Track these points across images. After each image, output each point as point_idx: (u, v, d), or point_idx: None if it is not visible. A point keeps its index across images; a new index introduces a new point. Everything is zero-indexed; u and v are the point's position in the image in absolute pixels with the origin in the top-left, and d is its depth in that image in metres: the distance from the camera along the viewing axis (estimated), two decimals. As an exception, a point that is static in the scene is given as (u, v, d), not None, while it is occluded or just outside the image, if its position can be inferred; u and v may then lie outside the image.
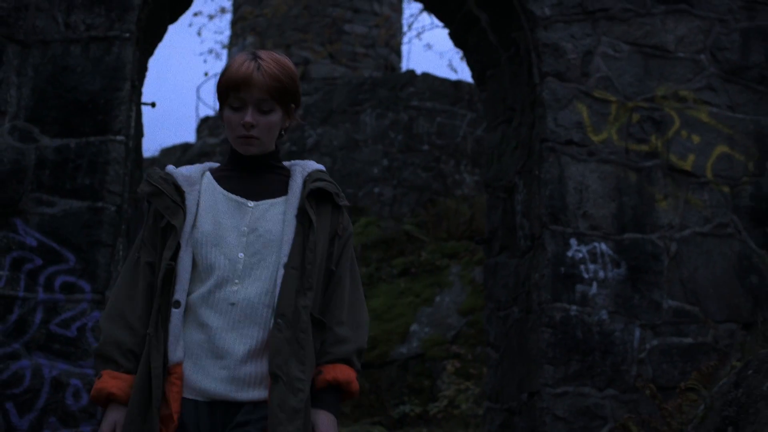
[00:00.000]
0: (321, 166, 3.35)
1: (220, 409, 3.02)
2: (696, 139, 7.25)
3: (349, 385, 3.14)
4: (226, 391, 3.00)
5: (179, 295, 3.06)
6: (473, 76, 8.52)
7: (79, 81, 6.34)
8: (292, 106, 3.20)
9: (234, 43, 23.32)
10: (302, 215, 3.16)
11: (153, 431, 2.94)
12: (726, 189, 7.26)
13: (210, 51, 39.16)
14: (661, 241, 7.05)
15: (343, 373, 3.12)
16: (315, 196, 3.20)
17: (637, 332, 6.88)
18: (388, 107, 17.22)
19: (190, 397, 3.02)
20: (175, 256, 3.09)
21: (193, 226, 3.13)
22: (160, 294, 3.07)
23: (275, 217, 3.17)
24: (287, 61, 3.18)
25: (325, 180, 3.25)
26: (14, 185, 6.18)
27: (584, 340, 6.78)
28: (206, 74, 31.27)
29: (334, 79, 20.64)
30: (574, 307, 6.80)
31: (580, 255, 6.88)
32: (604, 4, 7.21)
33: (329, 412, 3.10)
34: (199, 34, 35.61)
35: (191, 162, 18.91)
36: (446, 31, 8.43)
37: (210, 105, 55.08)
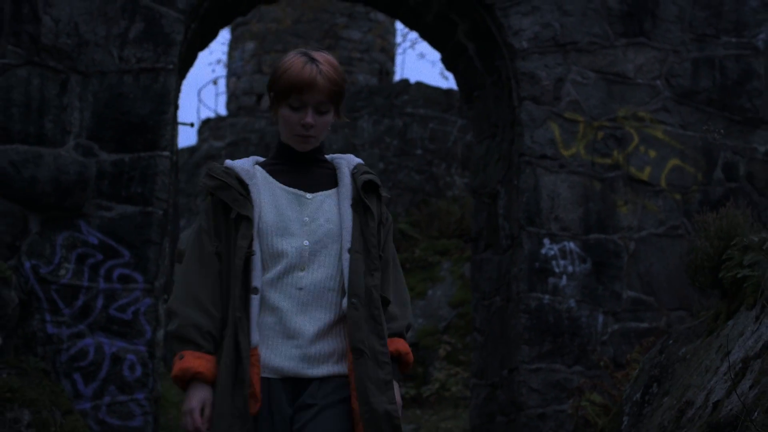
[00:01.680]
0: (361, 160, 3.51)
1: (291, 384, 3.17)
2: (652, 153, 8.45)
3: (408, 355, 3.36)
4: (299, 368, 3.16)
5: (256, 281, 3.20)
6: (462, 96, 9.72)
7: (131, 105, 7.53)
8: (342, 103, 3.38)
9: (234, 48, 23.88)
10: (357, 204, 3.32)
11: (244, 409, 3.09)
12: (678, 196, 8.47)
13: (218, 61, 40.09)
14: (622, 240, 8.26)
15: (402, 345, 3.35)
16: (365, 187, 3.35)
17: (601, 318, 8.10)
18: (383, 114, 18.15)
19: (263, 375, 3.16)
20: (250, 245, 3.22)
21: (260, 219, 3.25)
22: (243, 282, 3.20)
23: (331, 207, 3.31)
24: (337, 63, 3.34)
25: (370, 173, 3.43)
26: (79, 193, 7.36)
27: (555, 325, 7.99)
28: (215, 82, 31.88)
29: None
30: (546, 297, 8.01)
31: (552, 252, 8.09)
32: (573, 38, 8.40)
33: (394, 379, 3.26)
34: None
35: (199, 165, 19.81)
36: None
37: (211, 108, 55.56)
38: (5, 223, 7.23)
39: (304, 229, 3.26)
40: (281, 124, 3.31)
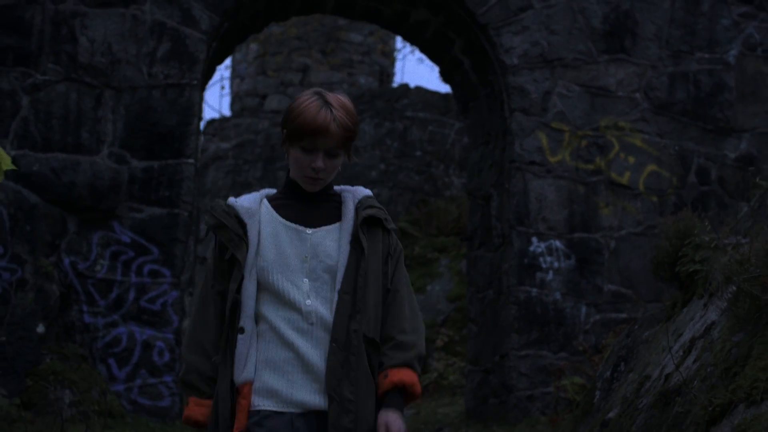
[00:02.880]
0: (369, 192, 3.45)
1: (313, 418, 3.17)
2: (631, 159, 9.27)
3: (413, 387, 3.26)
4: (321, 402, 3.16)
5: (243, 322, 3.20)
6: (458, 106, 10.55)
7: (159, 117, 8.35)
8: (352, 145, 3.34)
9: (237, 50, 24.49)
10: (355, 242, 3.28)
11: None
12: (655, 198, 9.28)
13: (227, 67, 40.73)
14: (603, 239, 9.08)
15: (407, 376, 3.25)
16: (367, 222, 3.31)
17: (584, 309, 8.92)
18: (384, 117, 18.73)
19: (282, 409, 3.17)
20: (239, 288, 3.23)
21: (257, 254, 3.24)
22: (229, 324, 3.23)
23: (332, 242, 3.29)
24: (351, 106, 3.28)
25: (374, 207, 3.35)
26: (112, 196, 8.18)
27: (542, 315, 8.82)
28: (222, 87, 32.47)
29: (332, 84, 21.94)
30: (534, 290, 8.84)
31: (540, 250, 8.92)
32: (559, 55, 9.21)
33: (397, 410, 3.23)
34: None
35: (207, 165, 20.47)
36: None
37: (215, 108, 55.68)
38: (46, 223, 8.03)
39: (303, 266, 3.24)
40: (291, 163, 3.28)
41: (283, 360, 3.20)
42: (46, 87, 8.21)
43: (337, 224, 3.32)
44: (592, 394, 6.17)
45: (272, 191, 3.43)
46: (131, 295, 8.12)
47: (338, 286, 3.23)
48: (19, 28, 8.22)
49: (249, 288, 3.22)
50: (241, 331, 3.20)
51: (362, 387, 3.20)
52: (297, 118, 3.19)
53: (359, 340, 3.21)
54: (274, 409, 3.17)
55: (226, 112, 25.29)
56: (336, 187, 3.42)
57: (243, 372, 3.18)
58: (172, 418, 8.00)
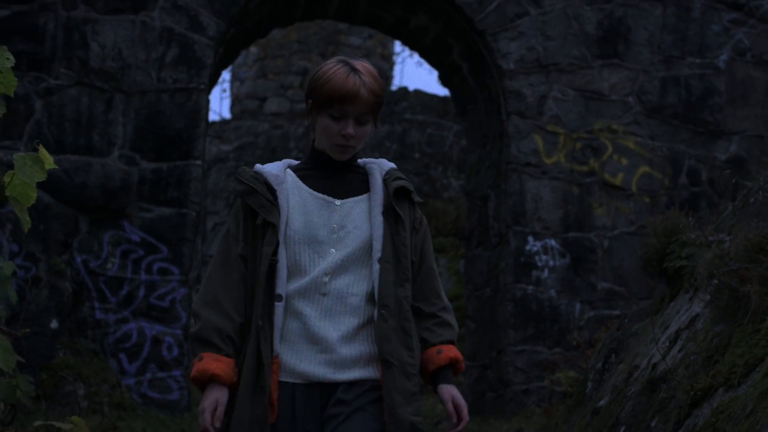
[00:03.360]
0: (394, 165, 3.42)
1: (317, 389, 3.11)
2: (624, 161, 9.57)
3: (460, 363, 3.28)
4: (324, 374, 3.10)
5: (281, 289, 3.14)
6: (456, 110, 10.85)
7: (168, 121, 8.64)
8: (379, 112, 3.29)
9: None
10: (388, 212, 3.23)
11: (264, 416, 3.06)
12: (647, 199, 9.59)
13: (227, 70, 40.89)
14: (597, 238, 9.38)
15: (457, 352, 3.27)
16: (396, 194, 3.26)
17: (578, 306, 9.22)
18: (384, 120, 18.93)
19: (286, 380, 3.11)
20: (275, 252, 3.16)
21: (287, 226, 3.19)
22: (265, 288, 3.14)
23: (361, 214, 3.23)
24: (377, 73, 3.25)
25: (402, 178, 3.33)
26: (123, 197, 8.47)
27: (538, 312, 9.13)
28: (224, 90, 32.64)
29: None
30: (530, 287, 9.14)
31: (536, 248, 9.22)
32: (555, 60, 9.51)
33: (453, 385, 3.25)
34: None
35: (208, 167, 20.68)
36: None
37: (215, 111, 55.87)
38: (59, 223, 8.33)
39: (332, 237, 3.19)
40: (319, 132, 3.23)
41: (290, 330, 3.15)
42: (58, 91, 8.50)
43: (365, 195, 3.27)
44: (585, 384, 6.47)
45: (294, 162, 3.38)
46: (141, 292, 8.41)
47: (378, 255, 3.18)
48: (32, 34, 8.51)
49: (283, 255, 3.16)
50: (278, 298, 3.14)
51: (417, 352, 3.19)
52: (325, 84, 3.14)
53: (409, 306, 3.20)
54: (284, 379, 3.11)
55: (227, 114, 25.53)
56: (360, 160, 3.37)
57: (278, 344, 3.12)
58: (180, 410, 8.29)
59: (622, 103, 9.65)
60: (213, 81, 9.56)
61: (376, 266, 3.18)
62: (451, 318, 3.34)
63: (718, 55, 9.93)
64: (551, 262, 9.23)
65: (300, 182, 3.27)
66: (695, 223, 6.06)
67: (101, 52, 8.59)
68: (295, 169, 3.33)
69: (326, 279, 3.16)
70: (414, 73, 55.21)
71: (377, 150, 18.78)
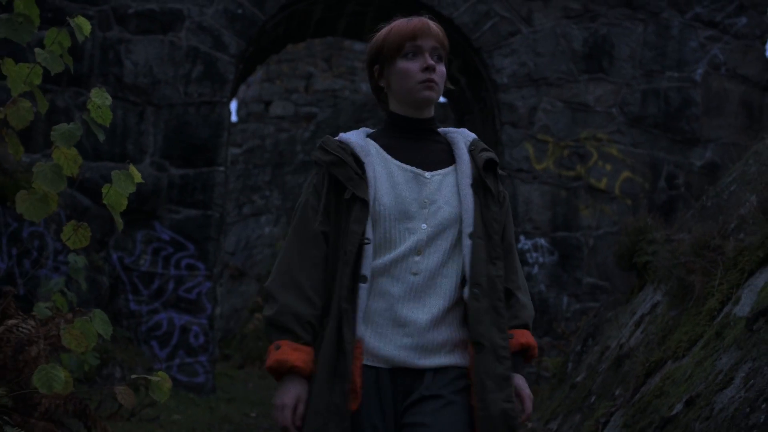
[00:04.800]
0: (475, 135, 3.21)
1: (401, 375, 2.89)
2: (608, 167, 10.48)
3: (535, 349, 3.09)
4: (410, 359, 2.88)
5: (366, 270, 2.91)
6: (455, 118, 11.77)
7: (194, 131, 9.57)
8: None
9: None
10: (477, 185, 3.01)
11: (342, 405, 2.82)
12: (629, 201, 10.49)
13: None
14: (583, 237, 10.29)
15: (530, 337, 3.08)
16: (485, 167, 3.06)
17: (565, 299, 10.14)
18: None
19: (369, 363, 2.88)
20: (365, 230, 2.93)
21: (375, 200, 2.95)
22: (352, 269, 2.91)
23: (450, 187, 3.02)
24: None
25: (489, 150, 3.14)
26: (154, 200, 9.39)
27: (529, 304, 10.02)
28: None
29: (335, 90, 22.48)
30: (522, 282, 10.03)
31: (527, 247, 10.13)
32: (544, 74, 10.43)
33: (522, 375, 3.06)
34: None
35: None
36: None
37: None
38: (96, 223, 9.24)
39: (422, 212, 2.96)
40: (398, 82, 3.02)
41: (375, 311, 2.91)
42: (95, 104, 9.40)
43: (451, 167, 3.06)
44: (566, 365, 7.40)
45: (370, 130, 3.17)
46: (170, 285, 9.33)
47: (469, 229, 2.95)
48: (72, 53, 9.41)
49: (370, 233, 2.93)
50: (363, 279, 2.90)
51: (507, 333, 2.94)
52: (389, 33, 3.04)
53: (502, 285, 2.96)
54: (366, 363, 2.89)
55: (233, 117, 26.31)
56: (439, 129, 3.17)
57: (361, 325, 2.89)
58: (206, 392, 9.22)
59: (606, 114, 10.55)
60: (233, 94, 10.47)
61: (467, 242, 2.94)
62: (526, 299, 3.13)
63: (694, 70, 10.83)
64: (541, 259, 10.13)
65: (384, 153, 3.05)
66: (661, 223, 6.98)
67: (134, 69, 9.50)
68: (374, 137, 3.11)
69: (417, 258, 2.93)
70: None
71: (380, 153, 19.58)
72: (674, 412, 4.50)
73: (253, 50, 10.09)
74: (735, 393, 3.99)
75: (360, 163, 2.99)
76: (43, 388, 3.21)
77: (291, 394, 2.87)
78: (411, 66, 2.99)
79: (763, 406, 3.62)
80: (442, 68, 3.02)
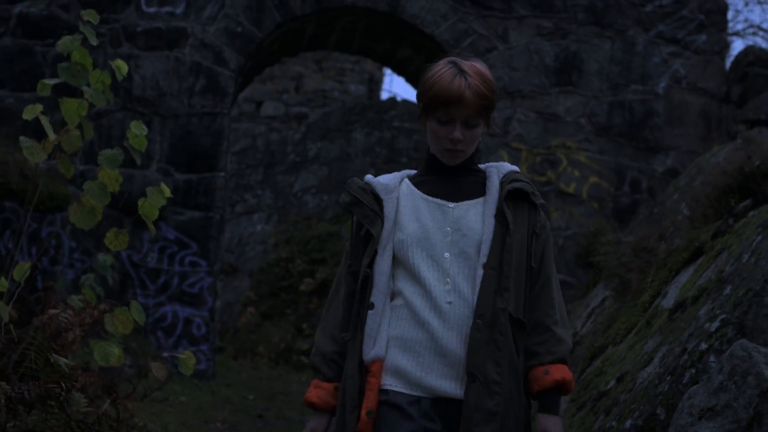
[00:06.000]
0: (516, 168, 3.26)
1: (443, 404, 2.97)
2: (577, 173, 11.40)
3: (571, 384, 3.07)
4: (452, 389, 2.95)
5: (374, 297, 3.03)
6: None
7: (197, 140, 10.45)
8: (491, 114, 3.14)
9: None
10: (500, 216, 3.08)
11: (350, 428, 2.96)
12: (595, 205, 11.41)
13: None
14: (553, 237, 11.18)
15: (566, 372, 3.06)
16: (512, 196, 3.12)
17: (536, 294, 11.02)
18: (374, 127, 20.22)
19: (408, 392, 2.97)
20: (371, 263, 3.07)
21: (395, 228, 3.09)
22: (360, 300, 3.07)
23: (476, 216, 3.09)
24: (488, 73, 3.12)
25: (521, 180, 3.17)
26: (160, 202, 10.26)
27: (503, 299, 10.93)
28: None
29: (324, 91, 23.16)
30: (496, 278, 10.94)
31: (501, 246, 11.00)
32: (518, 87, 11.34)
33: (557, 416, 3.08)
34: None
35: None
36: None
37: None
38: (108, 224, 10.10)
39: (445, 240, 3.06)
40: (429, 137, 3.15)
41: (415, 340, 2.99)
42: (107, 115, 10.30)
43: (481, 198, 3.15)
44: (531, 352, 8.34)
45: (413, 172, 3.31)
46: (175, 281, 10.22)
47: (483, 260, 3.02)
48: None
49: (381, 263, 3.06)
50: (371, 306, 3.03)
51: (507, 368, 2.97)
52: (431, 88, 3.07)
53: (506, 318, 2.98)
54: (402, 390, 2.98)
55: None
56: (481, 165, 3.26)
57: (373, 349, 3.01)
58: (207, 378, 10.12)
59: (576, 124, 11.46)
60: (232, 105, 11.36)
61: (480, 272, 3.02)
62: (565, 333, 3.14)
63: (657, 83, 11.74)
64: (514, 258, 11.01)
65: (414, 189, 3.18)
66: (614, 226, 7.91)
67: (142, 82, 10.39)
68: (411, 177, 3.25)
69: (447, 287, 3.03)
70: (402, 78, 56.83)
71: (368, 155, 20.23)
72: (608, 387, 5.42)
73: (251, 65, 10.98)
74: (652, 370, 4.91)
75: (379, 201, 3.14)
76: (101, 361, 4.12)
77: (309, 426, 3.16)
78: (441, 131, 3.07)
79: (668, 378, 4.55)
80: (474, 132, 3.10)
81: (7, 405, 3.47)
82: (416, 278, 3.05)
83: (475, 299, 2.98)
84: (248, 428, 8.18)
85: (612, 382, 5.42)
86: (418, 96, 3.17)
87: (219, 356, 13.42)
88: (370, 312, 3.04)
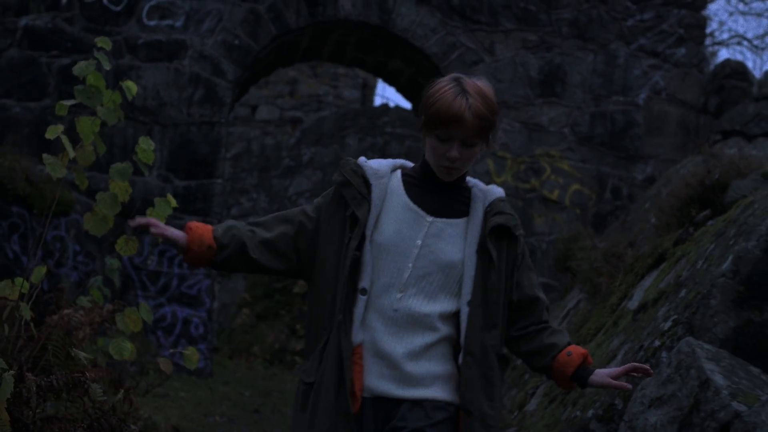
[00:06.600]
0: (501, 193, 3.31)
1: (381, 404, 3.07)
2: (560, 180, 11.88)
3: (590, 356, 3.24)
4: (388, 389, 3.06)
5: (365, 283, 3.08)
6: (427, 135, 13.15)
7: (196, 147, 10.92)
8: (491, 133, 3.16)
9: None
10: (483, 251, 3.11)
11: (347, 408, 3.02)
12: (578, 211, 11.89)
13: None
14: (537, 242, 11.68)
15: (581, 348, 3.25)
16: (495, 231, 3.14)
17: (520, 297, 11.50)
18: (367, 132, 20.70)
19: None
20: (360, 247, 3.09)
21: (376, 226, 3.13)
22: (347, 282, 3.08)
23: (451, 237, 3.14)
24: (490, 93, 3.14)
25: (505, 213, 3.20)
26: (160, 208, 10.73)
27: (488, 301, 11.40)
28: None
29: (319, 96, 23.39)
30: (482, 281, 11.41)
31: (487, 250, 11.45)
32: (504, 98, 11.81)
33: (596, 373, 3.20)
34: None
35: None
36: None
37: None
38: (110, 229, 10.56)
39: (412, 252, 3.11)
40: (427, 151, 3.15)
41: (361, 342, 3.11)
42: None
43: (462, 219, 3.19)
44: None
45: (409, 164, 3.34)
46: (174, 282, 10.68)
47: (468, 297, 3.09)
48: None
49: (369, 250, 3.11)
50: (363, 292, 3.08)
51: (498, 403, 3.10)
52: (432, 105, 3.08)
53: (495, 355, 3.08)
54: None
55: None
56: (470, 180, 3.32)
57: (359, 333, 3.09)
58: (205, 376, 10.57)
59: (559, 134, 11.94)
60: (229, 114, 11.83)
61: (465, 309, 3.09)
62: (559, 327, 3.35)
63: (638, 94, 12.22)
64: (499, 261, 11.48)
65: (402, 188, 3.22)
66: (591, 233, 8.39)
67: (143, 92, 10.85)
68: (404, 172, 3.28)
69: (399, 296, 3.09)
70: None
71: (361, 160, 20.78)
72: (576, 381, 5.90)
73: (247, 76, 11.45)
74: (614, 365, 5.39)
75: (368, 185, 3.17)
76: (116, 355, 4.59)
77: (173, 232, 3.47)
78: (439, 148, 3.09)
79: (626, 372, 5.02)
80: (471, 151, 3.13)
81: (37, 393, 3.92)
82: (379, 282, 3.12)
83: (463, 337, 3.06)
84: (245, 422, 8.66)
85: (580, 378, 5.89)
86: (420, 110, 3.18)
87: (215, 356, 13.88)
88: (361, 297, 3.08)
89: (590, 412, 5.06)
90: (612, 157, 12.06)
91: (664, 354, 4.68)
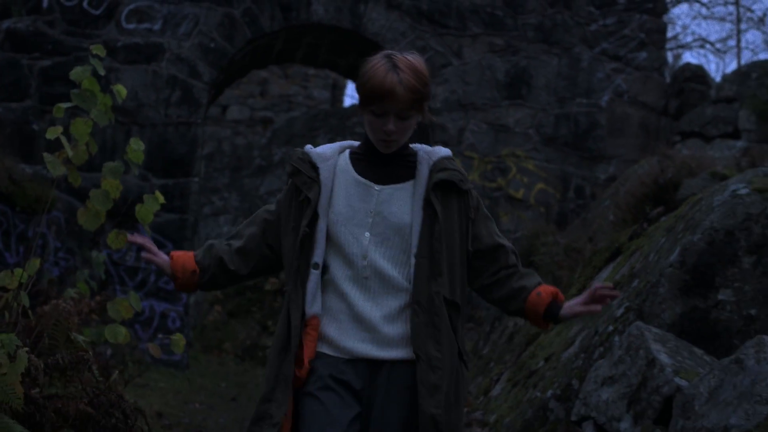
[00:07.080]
0: (448, 152, 3.45)
1: (362, 365, 3.22)
2: (525, 180, 12.30)
3: (560, 293, 3.40)
4: (368, 351, 3.21)
5: (317, 258, 3.25)
6: (397, 135, 13.54)
7: (173, 147, 11.25)
8: (425, 104, 3.27)
9: None
10: (428, 206, 3.25)
11: (290, 373, 3.19)
12: (542, 209, 12.32)
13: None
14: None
15: (550, 287, 3.39)
16: (441, 186, 3.27)
17: (487, 292, 11.91)
18: (337, 133, 21.00)
19: (333, 354, 3.24)
20: (312, 224, 3.25)
21: (330, 204, 3.29)
22: (299, 256, 3.26)
23: (399, 201, 3.27)
24: (421, 66, 3.22)
25: (448, 169, 3.34)
26: (138, 205, 11.07)
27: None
28: None
29: (289, 96, 23.64)
30: (450, 277, 11.82)
31: (455, 247, 11.85)
32: (471, 100, 12.23)
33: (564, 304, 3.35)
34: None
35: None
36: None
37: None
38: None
39: (366, 221, 3.26)
40: (366, 127, 3.28)
41: (337, 310, 3.26)
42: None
43: (408, 183, 3.32)
44: (478, 344, 9.21)
45: (355, 144, 3.46)
46: (152, 278, 11.00)
47: (414, 250, 3.22)
48: (69, 80, 11.04)
49: (322, 228, 3.27)
50: (316, 266, 3.25)
51: (446, 345, 3.20)
52: (366, 83, 3.18)
53: (440, 301, 3.18)
54: (329, 353, 3.24)
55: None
56: (415, 146, 3.45)
57: (313, 306, 3.24)
58: (182, 368, 10.91)
59: (524, 135, 12.37)
60: (205, 114, 12.17)
61: (412, 261, 3.23)
62: (526, 270, 3.46)
63: (601, 97, 12.67)
64: (467, 258, 11.88)
65: (350, 165, 3.35)
66: (553, 229, 8.80)
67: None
68: (351, 151, 3.41)
69: (364, 262, 3.24)
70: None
71: (331, 160, 21.12)
72: (538, 366, 6.31)
73: (223, 78, 11.79)
74: (573, 350, 5.81)
75: (316, 169, 3.31)
76: (111, 339, 4.94)
77: (157, 256, 3.67)
78: (375, 123, 3.22)
79: (582, 355, 5.44)
80: (406, 124, 3.26)
81: (44, 371, 4.27)
82: (341, 254, 3.27)
83: (411, 287, 3.20)
84: (224, 409, 9.01)
85: (541, 362, 6.31)
86: (356, 87, 3.26)
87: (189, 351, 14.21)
88: (313, 271, 3.26)
89: (549, 392, 5.47)
90: (575, 158, 12.50)
91: (616, 338, 5.09)
